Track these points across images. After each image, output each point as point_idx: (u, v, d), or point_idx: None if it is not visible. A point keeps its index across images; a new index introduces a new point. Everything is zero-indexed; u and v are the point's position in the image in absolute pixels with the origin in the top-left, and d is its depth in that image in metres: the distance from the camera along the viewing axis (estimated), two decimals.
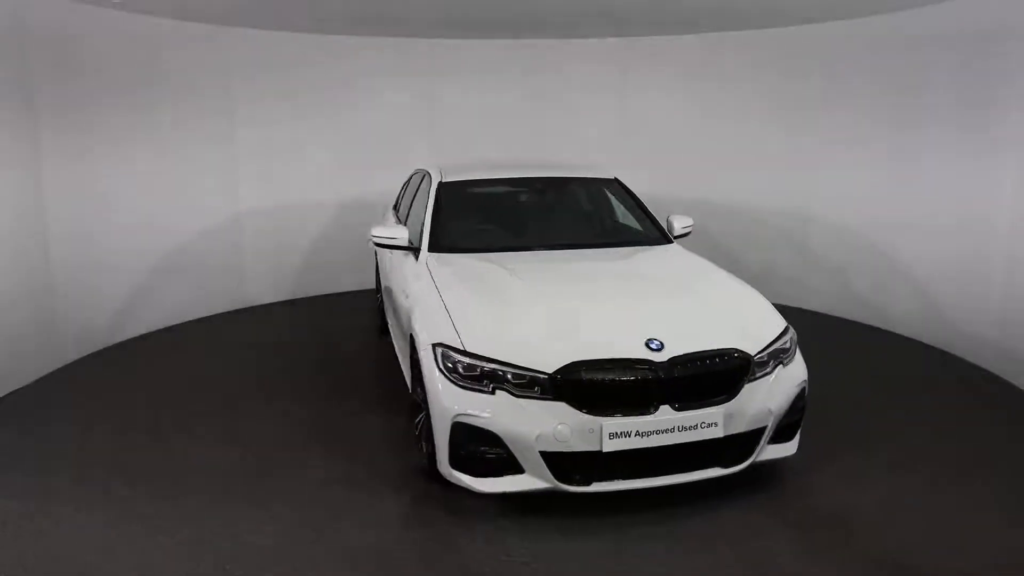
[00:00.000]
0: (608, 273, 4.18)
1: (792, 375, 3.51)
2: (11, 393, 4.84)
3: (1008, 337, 5.15)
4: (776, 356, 3.47)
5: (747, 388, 3.31)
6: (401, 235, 4.46)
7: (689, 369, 3.21)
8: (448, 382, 3.25)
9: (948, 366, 5.50)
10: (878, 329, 6.34)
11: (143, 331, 6.14)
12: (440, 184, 4.86)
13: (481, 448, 3.19)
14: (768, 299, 3.87)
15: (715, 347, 3.30)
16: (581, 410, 3.12)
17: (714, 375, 3.26)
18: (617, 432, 3.10)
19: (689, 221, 4.92)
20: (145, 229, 6.07)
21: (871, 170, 6.24)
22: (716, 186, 7.23)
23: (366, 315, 6.56)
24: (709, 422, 3.19)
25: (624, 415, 3.12)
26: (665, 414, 3.15)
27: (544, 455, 3.12)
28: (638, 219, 4.89)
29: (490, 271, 4.06)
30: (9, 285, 4.84)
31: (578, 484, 3.19)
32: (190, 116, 6.35)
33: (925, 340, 5.94)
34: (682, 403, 3.19)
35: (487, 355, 3.22)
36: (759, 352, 3.38)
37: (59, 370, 5.29)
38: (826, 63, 6.45)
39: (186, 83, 6.29)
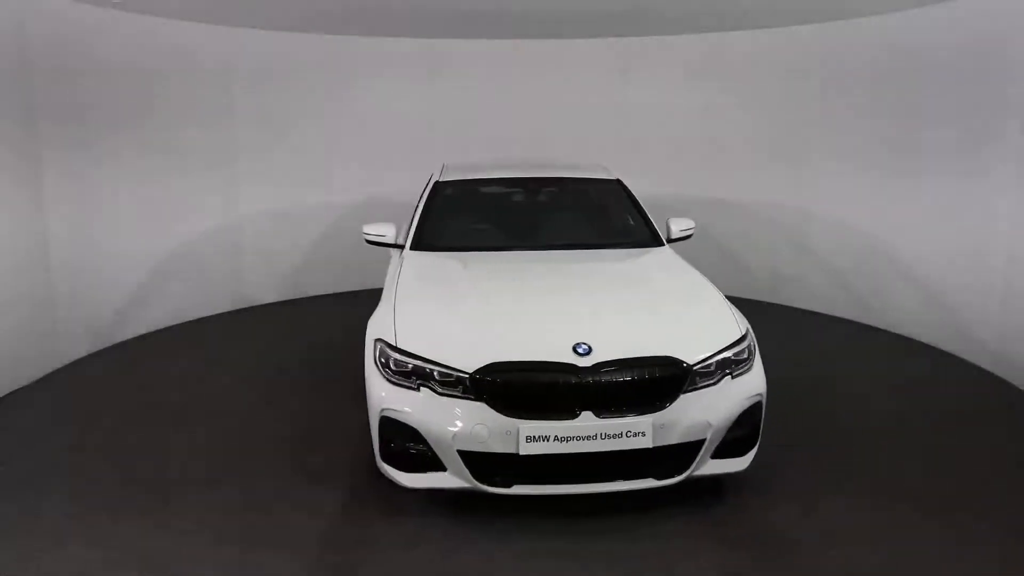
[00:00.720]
0: (573, 276, 4.14)
1: (744, 387, 3.36)
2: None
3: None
4: (725, 366, 3.33)
5: (683, 399, 3.20)
6: (389, 232, 4.56)
7: (615, 376, 3.13)
8: (381, 377, 3.31)
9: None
10: (876, 329, 6.27)
11: (143, 331, 6.18)
12: (436, 183, 4.92)
13: (407, 444, 3.22)
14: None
15: (647, 354, 3.20)
16: (499, 411, 3.10)
17: (643, 383, 3.17)
18: (534, 436, 3.06)
19: (689, 224, 4.79)
20: (145, 229, 6.11)
21: (871, 168, 6.25)
22: (716, 186, 7.25)
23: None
24: (636, 431, 3.10)
25: (543, 419, 3.08)
26: (587, 420, 3.09)
27: (463, 454, 3.13)
28: (634, 221, 4.77)
29: (454, 270, 4.10)
30: (9, 285, 4.86)
31: (498, 486, 3.17)
32: (191, 115, 6.39)
33: (926, 340, 5.84)
34: (607, 410, 3.11)
35: (416, 352, 3.26)
36: (701, 362, 3.26)
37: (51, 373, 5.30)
38: (826, 63, 6.49)
39: (186, 83, 6.33)
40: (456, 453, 3.13)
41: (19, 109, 4.94)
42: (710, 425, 3.22)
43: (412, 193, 5.39)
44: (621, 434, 3.10)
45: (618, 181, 5.05)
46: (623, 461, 3.19)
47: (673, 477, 3.25)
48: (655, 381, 3.18)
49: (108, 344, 5.85)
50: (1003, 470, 3.84)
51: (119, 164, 5.85)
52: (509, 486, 3.18)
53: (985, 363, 5.30)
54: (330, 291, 7.52)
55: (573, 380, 3.10)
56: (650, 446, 3.13)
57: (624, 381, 3.15)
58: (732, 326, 3.51)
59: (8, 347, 4.87)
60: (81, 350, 5.60)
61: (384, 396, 3.26)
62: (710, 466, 3.33)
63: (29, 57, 4.99)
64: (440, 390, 3.18)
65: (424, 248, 4.44)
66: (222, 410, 4.63)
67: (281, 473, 3.82)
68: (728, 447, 3.36)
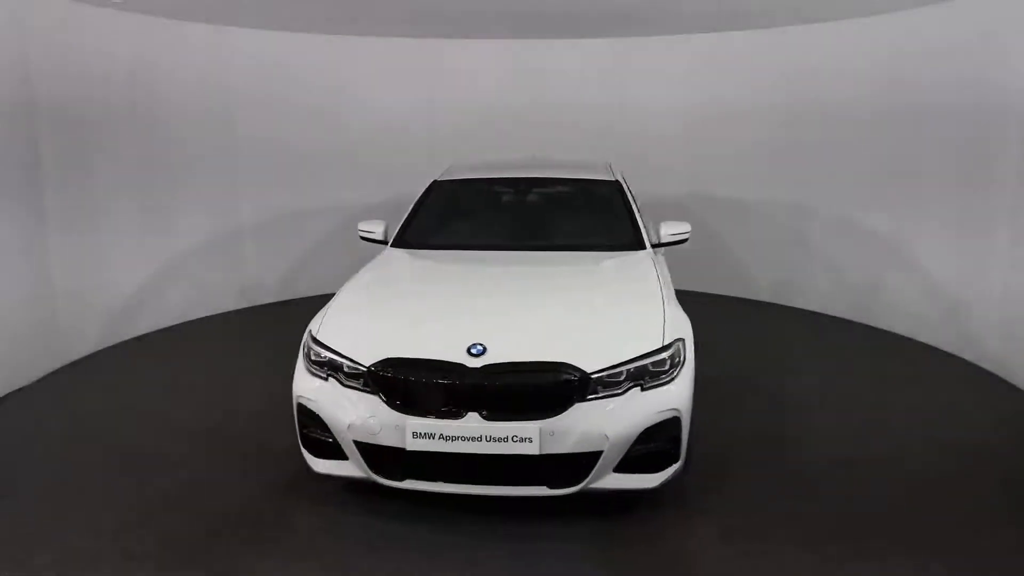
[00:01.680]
0: (527, 279, 4.08)
1: (656, 400, 3.18)
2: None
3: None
4: (637, 377, 3.17)
5: (579, 407, 3.09)
6: (378, 230, 4.73)
7: (504, 379, 3.08)
8: (302, 366, 3.47)
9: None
10: (873, 328, 6.27)
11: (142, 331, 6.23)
12: (433, 181, 5.04)
13: (316, 431, 3.36)
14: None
15: (542, 359, 3.12)
16: (391, 406, 3.15)
17: (533, 389, 3.09)
18: (421, 432, 3.08)
19: (681, 228, 4.60)
20: (144, 230, 6.20)
21: (870, 169, 6.30)
22: (717, 185, 7.32)
23: None
24: (523, 437, 3.04)
25: (429, 416, 3.10)
26: (473, 421, 3.07)
27: (358, 445, 3.21)
28: (622, 224, 4.62)
29: (414, 269, 4.20)
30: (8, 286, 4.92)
31: (390, 478, 3.22)
32: (190, 114, 6.47)
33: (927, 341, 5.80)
34: (495, 413, 3.07)
35: (329, 344, 3.38)
36: (603, 370, 3.13)
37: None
38: (827, 62, 6.52)
39: (186, 82, 6.40)
40: (353, 443, 3.23)
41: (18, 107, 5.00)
42: (607, 437, 3.08)
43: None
44: (507, 438, 3.04)
45: (616, 183, 4.91)
46: (515, 466, 3.13)
47: (568, 488, 3.15)
48: (545, 387, 3.10)
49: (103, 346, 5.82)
50: None
51: (118, 164, 5.91)
52: (401, 479, 3.22)
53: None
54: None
55: (459, 380, 3.09)
56: (537, 453, 3.04)
57: (513, 385, 3.09)
58: (655, 336, 3.32)
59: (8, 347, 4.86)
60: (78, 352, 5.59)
61: (300, 384, 3.40)
62: (613, 480, 3.18)
63: (29, 56, 5.05)
64: (345, 382, 3.28)
65: (405, 246, 4.56)
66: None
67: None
68: (638, 462, 3.20)
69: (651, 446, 3.20)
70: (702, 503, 3.51)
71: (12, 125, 4.96)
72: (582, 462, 3.11)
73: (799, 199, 6.90)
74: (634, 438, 3.14)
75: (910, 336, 6.03)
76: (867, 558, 3.08)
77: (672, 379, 3.25)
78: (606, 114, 7.50)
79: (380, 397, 3.17)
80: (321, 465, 3.41)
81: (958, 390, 5.03)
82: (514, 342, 3.22)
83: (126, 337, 6.10)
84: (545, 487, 3.15)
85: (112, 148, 5.88)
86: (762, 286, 7.27)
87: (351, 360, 3.27)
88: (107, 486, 3.72)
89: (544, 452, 3.05)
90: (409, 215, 4.80)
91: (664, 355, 3.26)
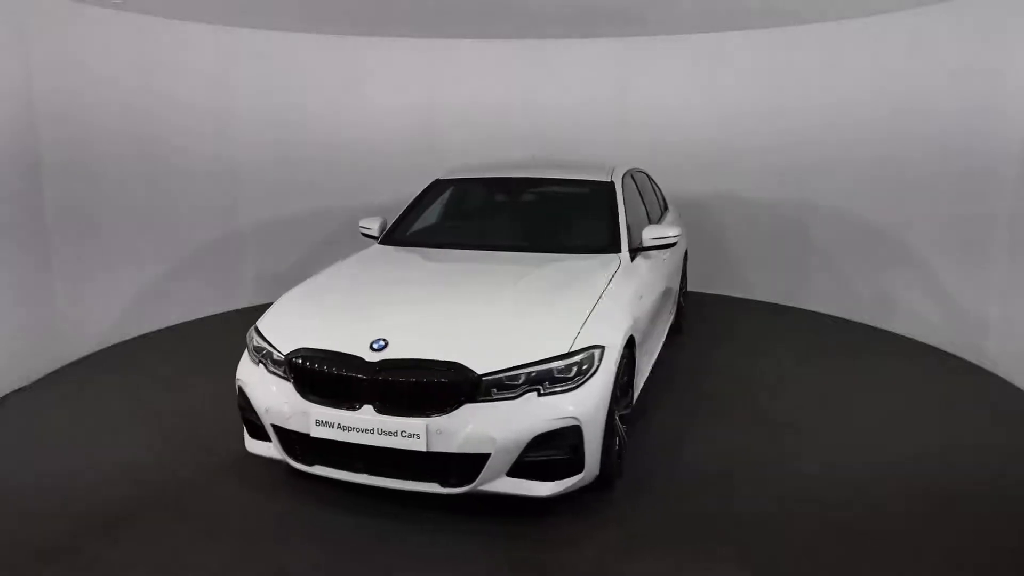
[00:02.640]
0: (471, 278, 4.06)
1: (552, 407, 3.12)
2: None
3: None
4: (537, 381, 3.13)
5: (469, 408, 3.10)
6: (374, 226, 4.91)
7: (396, 375, 3.14)
8: (246, 353, 3.71)
9: None
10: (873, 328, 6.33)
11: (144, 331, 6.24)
12: (434, 180, 5.15)
13: (250, 412, 3.58)
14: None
15: (435, 358, 3.15)
16: (300, 393, 3.30)
17: (424, 386, 3.13)
18: (322, 420, 3.21)
19: (667, 232, 4.43)
20: (144, 229, 6.19)
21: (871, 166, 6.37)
22: (717, 184, 7.34)
23: None
24: (411, 433, 3.09)
25: (330, 406, 3.22)
26: (367, 414, 3.15)
27: (275, 428, 3.40)
28: (604, 226, 4.52)
29: (372, 265, 4.34)
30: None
31: (303, 463, 3.37)
32: (190, 115, 6.45)
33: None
34: (387, 407, 3.14)
35: (263, 332, 3.60)
36: (495, 372, 3.11)
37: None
38: (826, 62, 6.58)
39: (186, 82, 6.39)
40: (271, 426, 3.41)
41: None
42: (494, 440, 3.06)
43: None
44: (397, 433, 3.10)
45: (609, 184, 4.79)
46: (408, 461, 3.18)
47: (458, 488, 3.15)
48: (435, 386, 3.12)
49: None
50: None
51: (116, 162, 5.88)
52: (311, 464, 3.37)
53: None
54: None
55: (356, 373, 3.19)
56: (423, 450, 3.08)
57: (405, 381, 3.14)
58: (562, 342, 3.25)
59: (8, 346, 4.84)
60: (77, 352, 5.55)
61: (241, 369, 3.63)
62: (505, 484, 3.15)
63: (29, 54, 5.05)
64: (271, 368, 3.46)
65: (391, 242, 4.71)
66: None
67: None
68: (534, 468, 3.15)
69: (547, 454, 3.14)
70: None
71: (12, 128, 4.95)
72: (471, 463, 3.11)
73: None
74: (525, 444, 3.09)
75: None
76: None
77: (576, 387, 3.17)
78: (606, 114, 7.51)
79: (292, 384, 3.34)
80: (252, 444, 3.63)
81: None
82: (415, 340, 3.27)
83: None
84: (437, 484, 3.17)
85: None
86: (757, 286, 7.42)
87: (275, 348, 3.46)
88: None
89: (431, 450, 3.08)
90: (403, 212, 4.95)
91: (569, 362, 3.19)
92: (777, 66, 6.85)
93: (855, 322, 6.62)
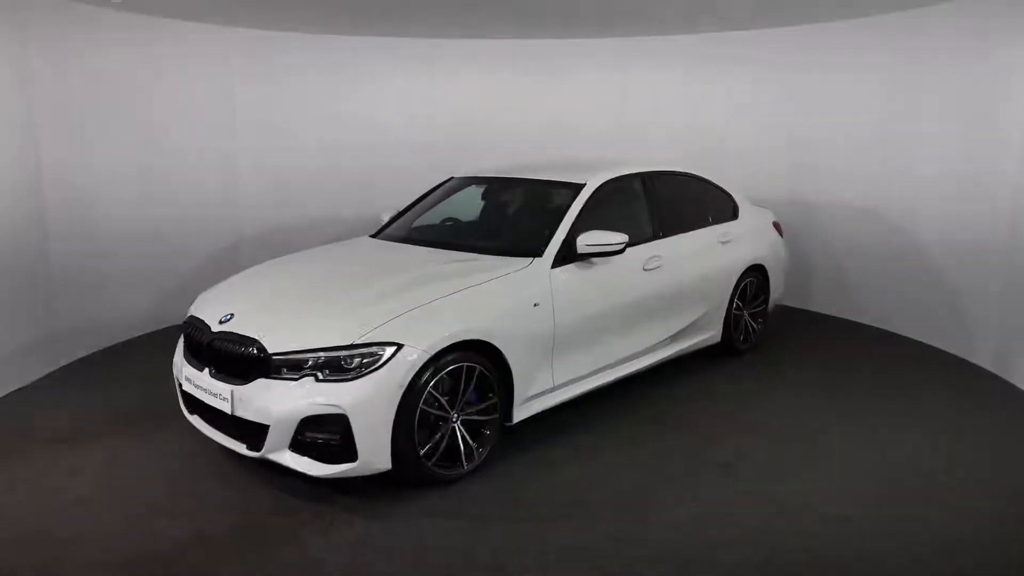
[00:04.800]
0: (374, 270, 4.20)
1: (323, 393, 3.32)
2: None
3: None
4: (322, 367, 3.37)
5: (262, 382, 3.44)
6: (385, 218, 5.36)
7: (222, 344, 3.61)
8: None
9: None
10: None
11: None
12: (449, 179, 5.38)
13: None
14: None
15: (247, 334, 3.54)
16: (185, 354, 3.94)
17: (231, 356, 3.56)
18: (188, 378, 3.81)
19: (607, 239, 4.24)
20: (144, 229, 6.14)
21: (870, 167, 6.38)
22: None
23: None
24: (223, 396, 3.54)
25: (193, 367, 3.80)
26: (206, 375, 3.68)
27: (177, 383, 4.06)
28: (541, 229, 4.38)
29: (320, 254, 4.74)
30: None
31: (189, 413, 3.98)
32: (190, 114, 6.47)
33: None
34: (216, 371, 3.63)
35: (192, 308, 4.22)
36: (285, 353, 3.42)
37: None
38: (825, 61, 6.56)
39: (186, 82, 6.40)
40: (176, 380, 4.09)
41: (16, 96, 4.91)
42: (271, 414, 3.37)
43: None
44: (217, 395, 3.57)
45: (580, 186, 4.58)
46: (226, 421, 3.59)
47: (254, 452, 3.50)
48: (237, 357, 3.52)
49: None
50: None
51: (117, 160, 5.89)
52: (192, 415, 3.97)
53: None
54: None
55: (200, 339, 3.72)
56: (228, 412, 3.51)
57: (221, 350, 3.60)
58: (353, 334, 3.40)
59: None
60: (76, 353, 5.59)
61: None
62: (286, 457, 3.42)
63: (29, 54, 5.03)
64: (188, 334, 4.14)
65: (379, 235, 5.08)
66: None
67: None
68: (312, 448, 3.38)
69: (321, 437, 3.35)
70: None
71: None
72: (260, 431, 3.45)
73: None
74: (296, 423, 3.35)
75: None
76: None
77: (354, 378, 3.32)
78: (605, 114, 7.40)
79: (183, 345, 4.00)
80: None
81: None
82: (250, 317, 3.68)
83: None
84: (244, 446, 3.57)
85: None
86: None
87: (189, 318, 4.13)
88: None
89: (235, 413, 3.50)
90: (404, 208, 5.29)
91: (352, 353, 3.35)
92: (778, 66, 6.75)
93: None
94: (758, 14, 6.21)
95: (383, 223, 5.25)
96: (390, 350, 3.38)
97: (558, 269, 4.17)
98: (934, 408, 4.72)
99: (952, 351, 5.75)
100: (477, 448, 3.76)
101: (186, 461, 3.97)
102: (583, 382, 4.34)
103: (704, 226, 5.32)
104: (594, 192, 4.59)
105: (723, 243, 5.37)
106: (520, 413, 3.98)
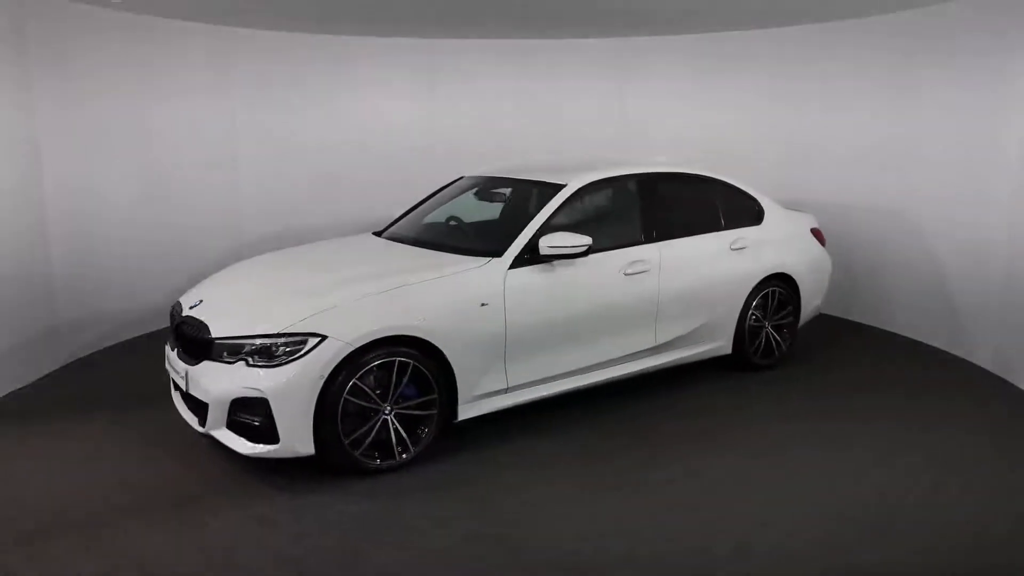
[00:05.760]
0: (346, 264, 4.37)
1: (247, 377, 3.55)
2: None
3: None
4: (255, 354, 3.59)
5: (208, 364, 3.73)
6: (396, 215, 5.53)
7: (182, 328, 3.96)
8: None
9: None
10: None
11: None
12: (459, 177, 5.45)
13: None
14: None
15: (201, 320, 3.84)
16: (169, 337, 4.33)
17: (186, 339, 3.89)
18: (167, 357, 4.21)
19: (570, 240, 4.18)
20: (143, 229, 6.12)
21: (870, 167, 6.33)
22: None
23: None
24: (181, 373, 3.88)
25: (172, 347, 4.16)
26: (174, 355, 4.03)
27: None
28: (508, 230, 4.36)
29: (316, 249, 4.95)
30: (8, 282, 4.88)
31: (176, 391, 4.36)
32: (190, 114, 6.42)
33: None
34: (183, 352, 3.97)
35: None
36: (225, 338, 3.69)
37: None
38: (825, 61, 6.51)
39: (186, 81, 6.35)
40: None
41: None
42: (209, 394, 3.65)
43: None
44: (181, 373, 3.91)
45: (561, 187, 4.51)
46: (185, 397, 3.91)
47: (201, 428, 3.78)
48: (190, 339, 3.85)
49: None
50: None
51: (116, 159, 5.85)
52: (176, 392, 4.32)
53: None
54: None
55: (173, 322, 4.09)
56: (184, 389, 3.84)
57: (182, 333, 3.94)
58: (282, 323, 3.60)
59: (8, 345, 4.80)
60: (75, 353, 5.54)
61: None
62: (223, 434, 3.67)
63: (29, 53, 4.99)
64: None
65: (382, 235, 5.15)
66: None
67: None
68: (242, 428, 3.61)
69: (248, 418, 3.58)
70: None
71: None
72: (204, 408, 3.73)
73: None
74: (228, 404, 3.60)
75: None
76: None
77: (277, 365, 3.52)
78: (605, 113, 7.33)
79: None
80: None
81: None
82: (214, 304, 3.98)
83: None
84: (196, 420, 3.87)
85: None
86: None
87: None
88: None
89: (188, 391, 3.82)
90: (409, 208, 5.41)
91: (277, 341, 3.56)
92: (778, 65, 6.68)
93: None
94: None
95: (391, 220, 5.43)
96: (313, 340, 3.54)
97: (518, 270, 4.15)
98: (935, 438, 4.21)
99: (952, 351, 5.73)
100: (412, 442, 3.84)
101: (168, 449, 4.15)
102: (543, 386, 4.29)
103: (713, 231, 5.04)
104: (574, 194, 4.51)
105: (735, 249, 5.06)
106: (467, 411, 4.01)
